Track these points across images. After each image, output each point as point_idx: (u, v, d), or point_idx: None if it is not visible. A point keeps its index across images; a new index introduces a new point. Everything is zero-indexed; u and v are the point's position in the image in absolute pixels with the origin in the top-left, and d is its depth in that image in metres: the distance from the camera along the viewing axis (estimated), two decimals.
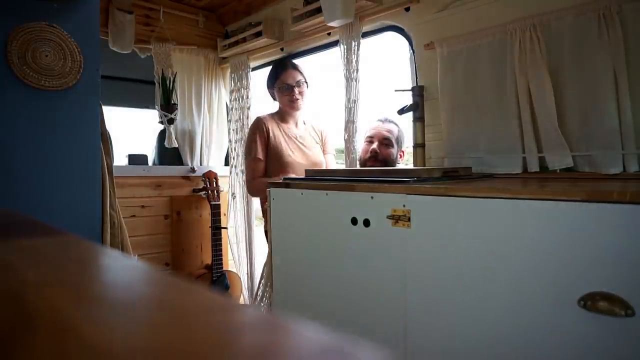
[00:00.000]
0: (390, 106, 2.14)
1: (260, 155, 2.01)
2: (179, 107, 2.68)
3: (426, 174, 1.24)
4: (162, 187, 2.65)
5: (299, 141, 2.10)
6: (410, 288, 1.09)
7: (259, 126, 2.05)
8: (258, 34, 2.43)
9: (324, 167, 2.09)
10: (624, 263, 0.76)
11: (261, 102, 2.49)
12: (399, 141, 1.99)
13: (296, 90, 2.04)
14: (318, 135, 2.20)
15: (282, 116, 2.14)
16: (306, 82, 2.10)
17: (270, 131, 2.04)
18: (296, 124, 2.14)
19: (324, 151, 2.20)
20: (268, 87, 2.18)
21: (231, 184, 2.69)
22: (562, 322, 0.83)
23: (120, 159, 2.98)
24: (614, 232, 0.78)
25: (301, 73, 2.09)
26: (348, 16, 1.84)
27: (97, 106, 1.41)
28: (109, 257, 0.35)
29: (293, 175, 1.91)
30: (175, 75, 2.65)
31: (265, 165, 2.04)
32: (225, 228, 2.69)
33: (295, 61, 2.25)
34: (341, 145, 2.05)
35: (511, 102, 1.48)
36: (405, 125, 2.01)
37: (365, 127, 2.04)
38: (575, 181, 1.24)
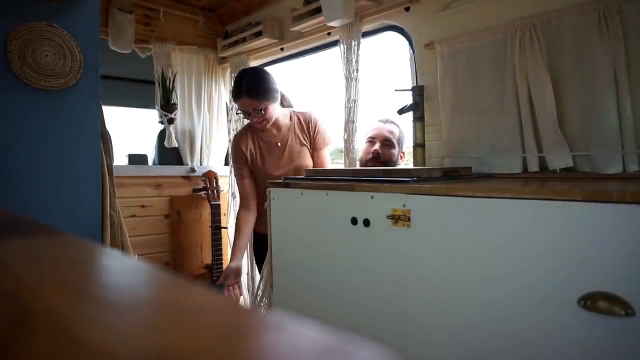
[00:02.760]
0: (390, 106, 2.14)
1: (244, 173, 1.96)
2: (178, 107, 2.68)
3: (426, 174, 1.24)
4: (162, 187, 2.65)
5: (281, 147, 1.89)
6: (410, 288, 1.09)
7: (236, 148, 1.96)
8: (258, 34, 2.43)
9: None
10: (624, 263, 0.76)
11: None
12: (400, 142, 1.99)
13: (253, 117, 1.81)
14: (306, 132, 1.92)
15: None
16: (269, 102, 1.78)
17: (247, 150, 1.93)
18: (277, 128, 1.90)
19: (316, 147, 1.92)
20: None
21: (231, 184, 2.69)
22: (562, 322, 0.83)
23: (120, 159, 2.98)
24: (613, 232, 0.78)
25: (260, 97, 1.75)
26: (348, 16, 1.84)
27: (97, 106, 1.41)
28: (109, 257, 0.35)
29: None
30: (175, 75, 2.65)
31: (252, 180, 1.98)
32: (226, 228, 2.69)
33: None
34: (341, 144, 2.04)
35: (511, 102, 1.48)
36: (405, 125, 2.00)
37: (365, 127, 2.03)
38: (575, 181, 1.24)
